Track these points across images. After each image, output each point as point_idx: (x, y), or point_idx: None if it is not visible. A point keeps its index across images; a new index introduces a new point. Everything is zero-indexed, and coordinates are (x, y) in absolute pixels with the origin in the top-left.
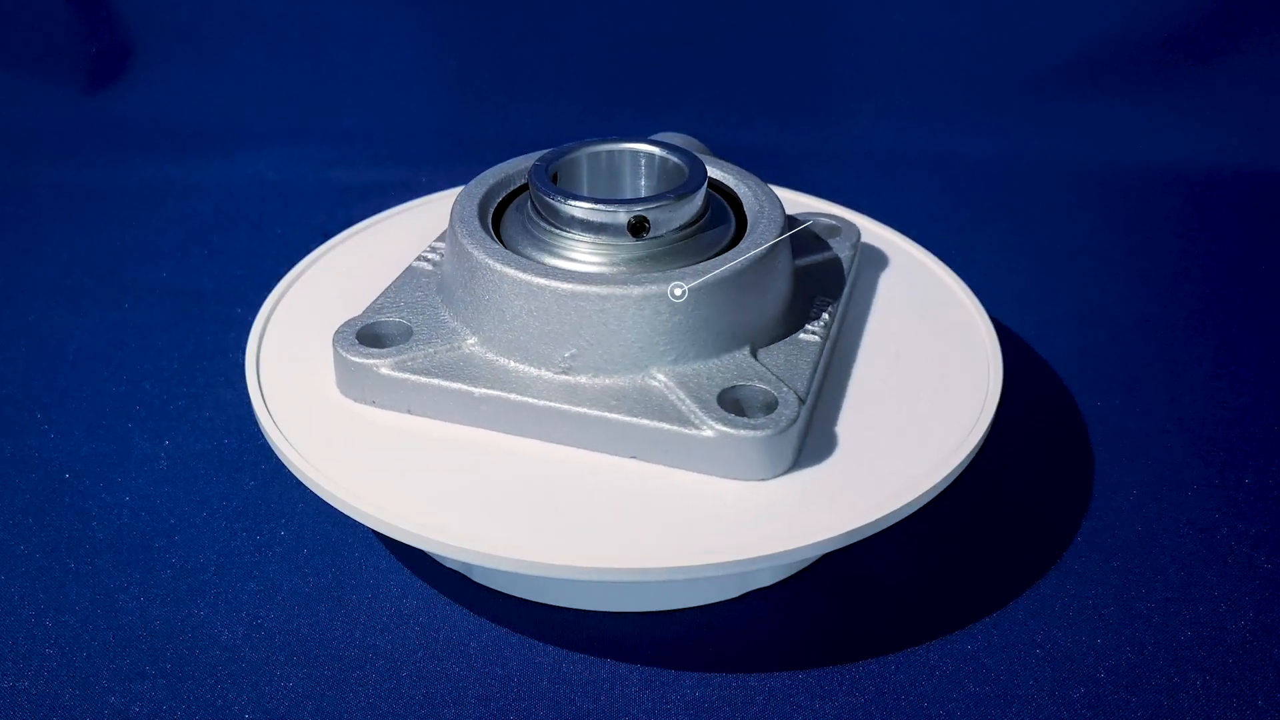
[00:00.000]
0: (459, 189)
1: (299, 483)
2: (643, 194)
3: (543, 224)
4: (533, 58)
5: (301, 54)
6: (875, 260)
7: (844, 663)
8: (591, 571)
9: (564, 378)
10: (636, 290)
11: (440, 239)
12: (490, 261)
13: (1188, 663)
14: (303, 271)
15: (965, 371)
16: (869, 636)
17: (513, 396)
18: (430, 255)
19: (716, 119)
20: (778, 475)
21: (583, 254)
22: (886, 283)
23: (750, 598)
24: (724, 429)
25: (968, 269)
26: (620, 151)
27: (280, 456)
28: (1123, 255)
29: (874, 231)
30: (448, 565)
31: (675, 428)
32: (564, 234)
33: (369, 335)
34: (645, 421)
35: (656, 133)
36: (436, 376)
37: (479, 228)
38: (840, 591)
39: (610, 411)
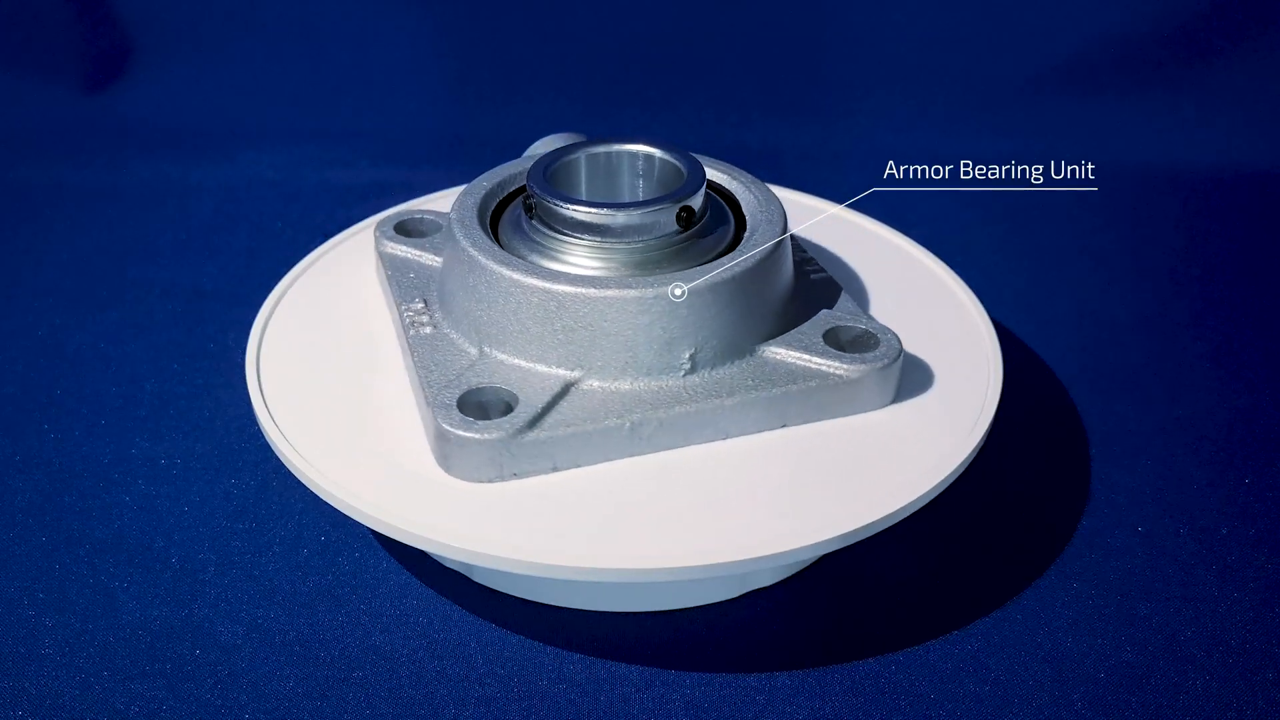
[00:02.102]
0: (459, 189)
1: (299, 483)
2: (641, 195)
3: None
4: (533, 58)
5: (301, 54)
6: (876, 260)
7: (844, 663)
8: (591, 571)
9: (688, 380)
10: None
11: (412, 305)
12: (592, 292)
13: (1188, 663)
14: (303, 271)
15: (965, 371)
16: (869, 636)
17: (664, 412)
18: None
19: (716, 119)
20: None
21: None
22: (887, 283)
23: (750, 598)
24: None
25: (968, 269)
26: (617, 153)
27: (280, 456)
28: (1123, 255)
29: (874, 231)
30: (448, 565)
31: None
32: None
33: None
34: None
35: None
36: (584, 424)
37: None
38: (840, 591)
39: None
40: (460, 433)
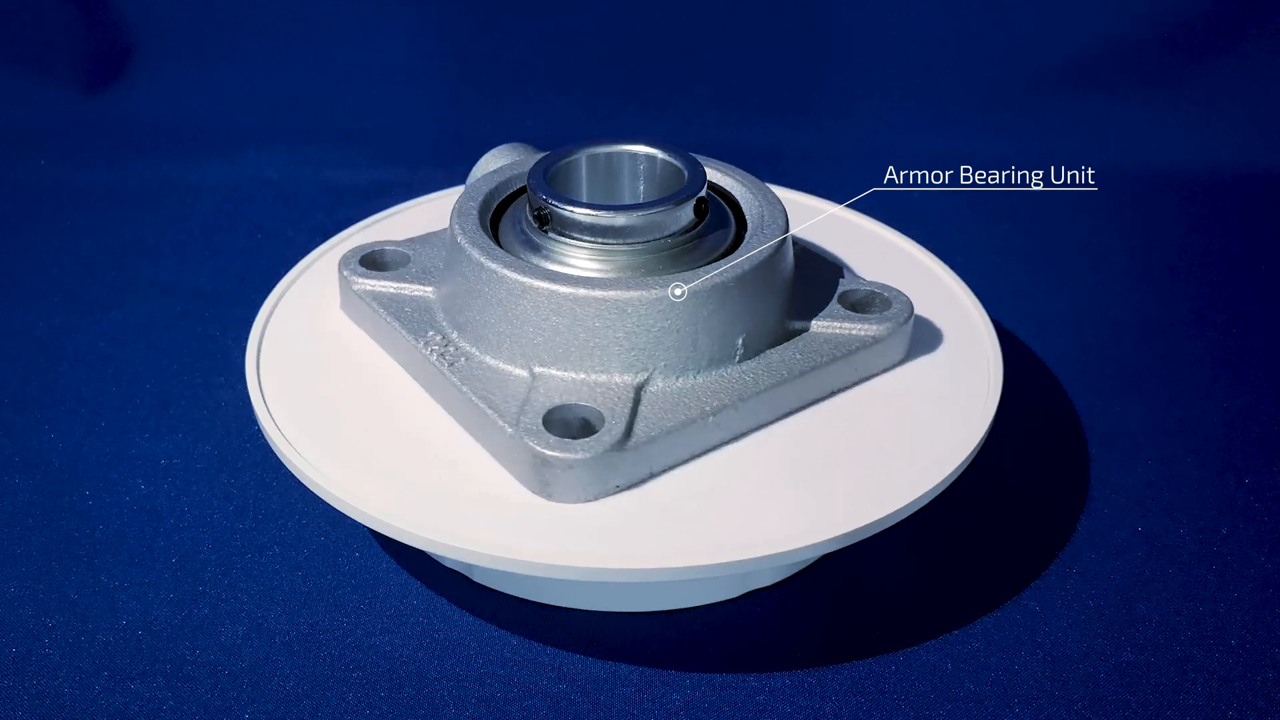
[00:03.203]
0: (459, 189)
1: (299, 483)
2: (641, 197)
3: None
4: (533, 57)
5: (301, 54)
6: (876, 260)
7: (844, 663)
8: (591, 571)
9: (743, 365)
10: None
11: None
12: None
13: (1188, 663)
14: (303, 271)
15: (965, 372)
16: (869, 636)
17: (737, 398)
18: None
19: (716, 119)
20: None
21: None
22: (887, 283)
23: (750, 598)
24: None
25: (968, 269)
26: (617, 154)
27: (280, 456)
28: (1123, 255)
29: (874, 231)
30: (448, 565)
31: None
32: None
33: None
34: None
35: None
36: (673, 424)
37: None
38: (840, 591)
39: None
40: (562, 455)
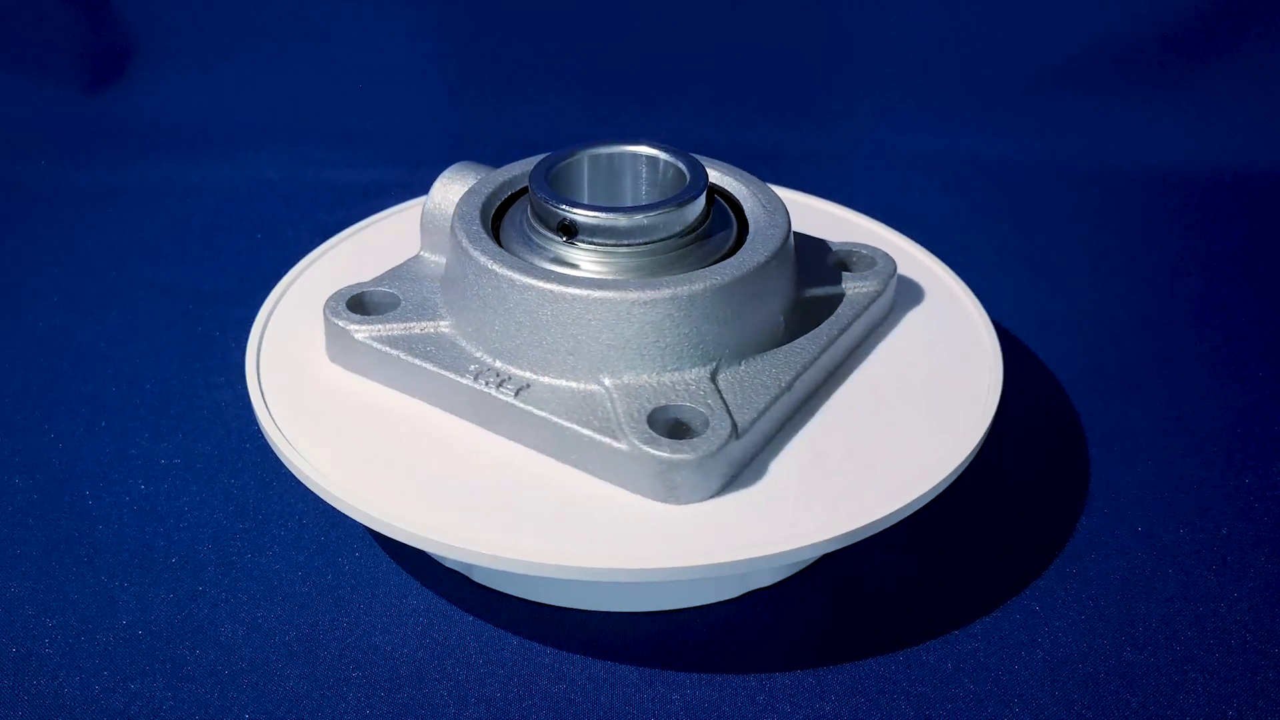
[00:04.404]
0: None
1: (299, 483)
2: (644, 198)
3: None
4: (532, 58)
5: (301, 54)
6: None
7: (844, 663)
8: (591, 571)
9: (789, 338)
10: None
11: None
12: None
13: (1188, 663)
14: (302, 271)
15: (965, 372)
16: (869, 636)
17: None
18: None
19: (716, 119)
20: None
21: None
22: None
23: (750, 598)
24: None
25: (968, 269)
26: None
27: (280, 456)
28: (1123, 255)
29: (874, 232)
30: (448, 565)
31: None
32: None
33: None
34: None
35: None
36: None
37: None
38: (840, 591)
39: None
40: (687, 456)
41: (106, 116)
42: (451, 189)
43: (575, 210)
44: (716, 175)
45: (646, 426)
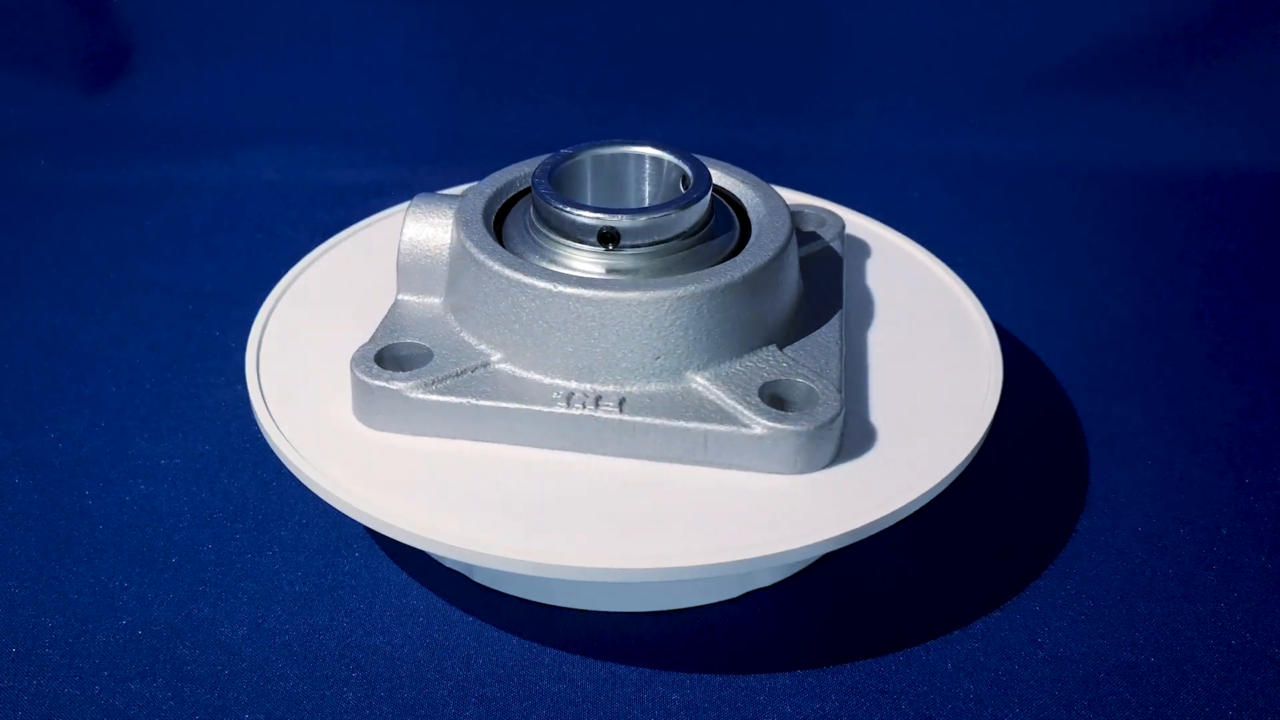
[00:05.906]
0: (459, 188)
1: (299, 483)
2: (646, 199)
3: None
4: (533, 58)
5: (301, 54)
6: (876, 260)
7: (844, 663)
8: (592, 571)
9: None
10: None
11: None
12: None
13: (1188, 663)
14: (302, 271)
15: (965, 371)
16: (869, 636)
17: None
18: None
19: (716, 119)
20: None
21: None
22: (887, 283)
23: (750, 598)
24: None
25: (968, 269)
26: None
27: (280, 456)
28: (1123, 255)
29: (874, 231)
30: (448, 565)
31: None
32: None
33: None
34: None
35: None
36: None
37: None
38: (840, 591)
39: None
40: (815, 425)
41: (106, 116)
42: (426, 225)
43: (616, 218)
44: (717, 176)
45: (764, 405)
